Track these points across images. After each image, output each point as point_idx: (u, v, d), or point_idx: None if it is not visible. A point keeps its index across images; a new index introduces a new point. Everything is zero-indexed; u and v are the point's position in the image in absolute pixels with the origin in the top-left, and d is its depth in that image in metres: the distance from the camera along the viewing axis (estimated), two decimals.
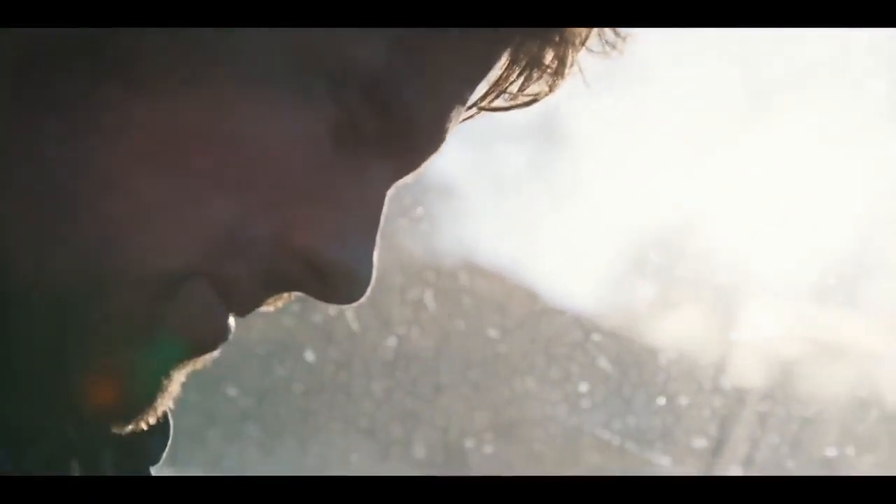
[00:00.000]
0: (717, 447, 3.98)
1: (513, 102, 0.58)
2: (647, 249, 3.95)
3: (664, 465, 4.03)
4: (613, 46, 0.55)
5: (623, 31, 0.55)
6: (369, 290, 0.53)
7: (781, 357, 3.96)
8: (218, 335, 0.52)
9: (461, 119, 0.56)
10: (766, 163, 3.77)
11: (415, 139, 0.54)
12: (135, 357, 0.50)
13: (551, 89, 0.57)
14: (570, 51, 0.55)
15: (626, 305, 4.11)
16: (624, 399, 4.16)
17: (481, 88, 0.56)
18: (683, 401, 3.99)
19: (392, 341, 4.11)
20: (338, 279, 0.53)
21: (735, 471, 3.93)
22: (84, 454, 0.55)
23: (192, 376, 0.54)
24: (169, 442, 0.58)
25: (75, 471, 0.55)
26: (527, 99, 0.58)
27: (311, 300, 0.55)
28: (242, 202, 0.50)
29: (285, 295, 0.55)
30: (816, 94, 3.70)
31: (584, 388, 4.15)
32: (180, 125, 0.49)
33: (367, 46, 0.51)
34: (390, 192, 0.55)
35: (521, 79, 0.56)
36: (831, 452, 3.92)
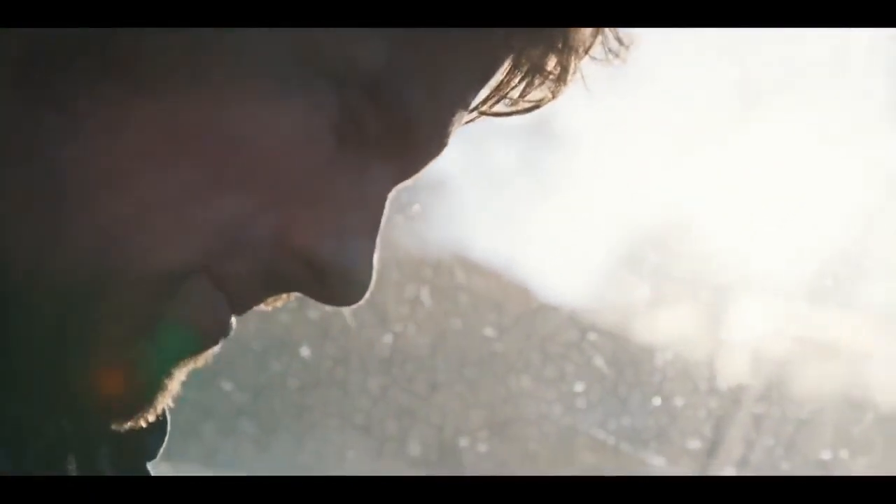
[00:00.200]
0: (712, 448, 3.99)
1: (514, 108, 0.58)
2: (645, 249, 3.96)
3: (659, 465, 4.03)
4: (616, 54, 0.55)
5: (626, 38, 0.55)
6: (368, 292, 0.53)
7: (777, 358, 3.96)
8: (220, 329, 0.52)
9: (462, 122, 0.55)
10: (766, 163, 3.77)
11: (416, 141, 0.53)
12: (136, 355, 0.50)
13: (553, 96, 0.57)
14: (572, 57, 0.54)
15: (622, 305, 4.11)
16: (619, 399, 4.17)
17: (483, 93, 0.56)
18: (679, 401, 4.00)
19: (388, 338, 4.11)
20: (336, 280, 0.52)
21: (730, 472, 3.94)
22: (81, 451, 0.55)
23: (189, 371, 0.54)
24: (166, 439, 0.58)
25: (72, 466, 0.55)
26: (528, 105, 0.57)
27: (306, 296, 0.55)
28: (244, 201, 0.50)
29: (284, 295, 0.55)
30: (809, 94, 3.70)
31: (579, 387, 4.16)
32: (182, 123, 0.49)
33: (369, 46, 0.50)
34: (391, 194, 0.54)
35: (523, 84, 0.56)
36: (826, 455, 3.92)
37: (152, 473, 0.58)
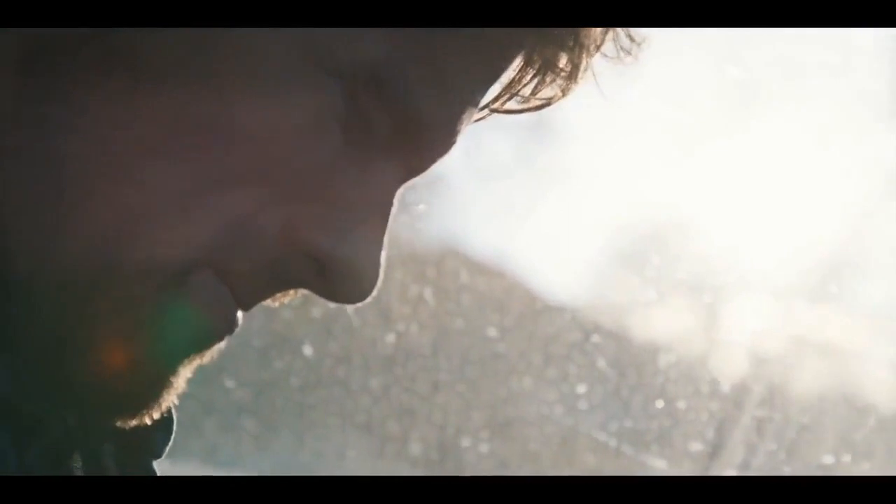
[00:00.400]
0: (714, 451, 3.98)
1: (525, 105, 0.58)
2: (651, 251, 3.95)
3: (660, 468, 4.03)
4: (629, 52, 0.55)
5: (638, 35, 0.55)
6: (375, 290, 0.53)
7: (780, 361, 3.96)
8: (226, 324, 0.52)
9: (472, 120, 0.55)
10: (767, 163, 3.77)
11: (424, 139, 0.53)
12: (142, 349, 0.50)
13: (564, 93, 0.56)
14: (584, 55, 0.54)
15: (626, 307, 4.11)
16: (621, 400, 4.17)
17: (493, 90, 0.55)
18: (681, 404, 3.99)
19: (391, 338, 4.11)
20: (341, 277, 0.52)
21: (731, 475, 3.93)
22: (86, 447, 0.55)
23: (194, 367, 0.53)
24: (172, 437, 0.57)
25: (77, 464, 0.55)
26: (539, 102, 0.57)
27: (312, 293, 0.54)
28: (249, 196, 0.50)
29: (290, 291, 0.54)
30: (809, 94, 3.70)
31: (581, 388, 4.15)
32: (186, 118, 0.49)
33: (377, 44, 0.50)
34: (398, 192, 0.54)
35: (535, 82, 0.56)
36: (828, 459, 3.92)
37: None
